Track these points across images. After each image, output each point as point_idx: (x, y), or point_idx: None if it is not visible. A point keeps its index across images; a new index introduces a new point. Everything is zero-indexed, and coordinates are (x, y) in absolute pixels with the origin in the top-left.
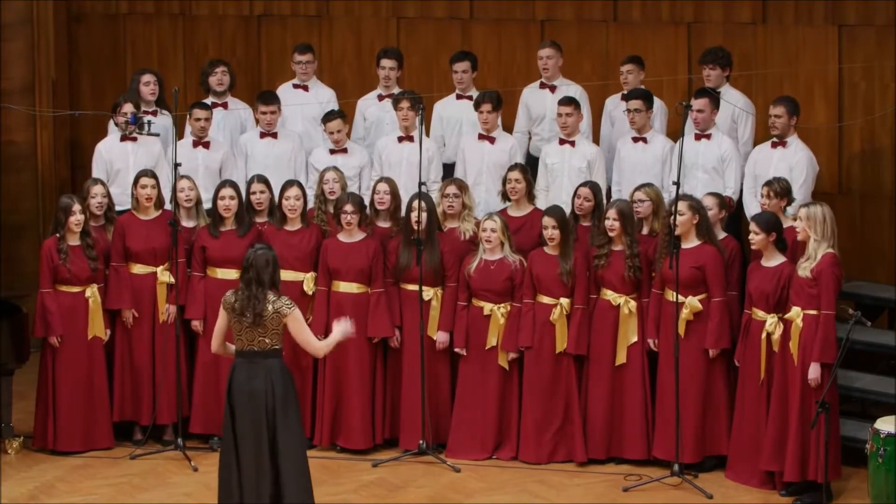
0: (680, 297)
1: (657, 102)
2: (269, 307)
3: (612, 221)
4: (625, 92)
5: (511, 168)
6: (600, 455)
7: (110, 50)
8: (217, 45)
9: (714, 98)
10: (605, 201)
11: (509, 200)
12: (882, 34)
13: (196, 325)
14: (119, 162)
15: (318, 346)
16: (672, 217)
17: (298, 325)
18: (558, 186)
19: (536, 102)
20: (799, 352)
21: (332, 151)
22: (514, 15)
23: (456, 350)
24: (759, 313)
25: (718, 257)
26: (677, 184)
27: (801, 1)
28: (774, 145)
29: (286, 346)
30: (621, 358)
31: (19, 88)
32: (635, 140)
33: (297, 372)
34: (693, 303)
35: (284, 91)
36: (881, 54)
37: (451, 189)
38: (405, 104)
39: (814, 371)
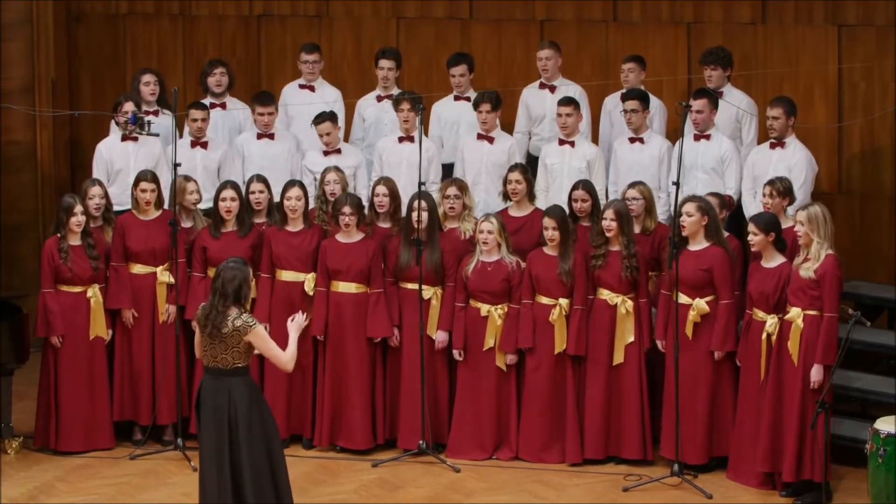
0: (687, 298)
1: (656, 102)
2: (229, 323)
3: (609, 222)
4: (624, 91)
5: (511, 169)
6: (598, 455)
7: (110, 50)
8: (217, 45)
9: (713, 98)
10: (604, 200)
11: (510, 200)
12: (882, 34)
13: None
14: (120, 162)
15: (285, 360)
16: (674, 218)
17: (262, 342)
18: (558, 187)
19: (536, 102)
20: (799, 353)
21: (326, 153)
22: (513, 15)
23: (454, 352)
24: (760, 314)
25: (726, 259)
26: (677, 184)
27: (801, 1)
28: (773, 146)
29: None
30: (619, 358)
31: (19, 88)
32: (632, 140)
33: (298, 371)
34: (700, 305)
35: (291, 91)
36: (881, 54)
37: (452, 190)
38: (406, 105)
39: (816, 373)
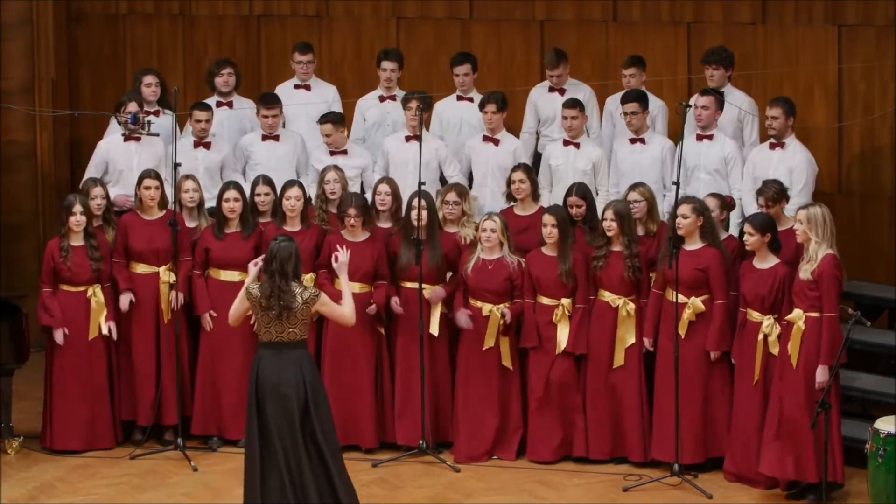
0: (683, 297)
1: (658, 103)
2: (298, 298)
3: (609, 222)
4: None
5: (514, 169)
6: (598, 456)
7: (110, 50)
8: (217, 45)
9: (719, 98)
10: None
11: (514, 201)
12: (882, 34)
13: (207, 318)
14: (123, 162)
15: (349, 315)
16: (671, 218)
17: (329, 308)
18: (563, 188)
19: (546, 105)
20: (800, 354)
21: (333, 153)
22: (514, 15)
23: (459, 315)
24: (755, 315)
25: (721, 260)
26: (677, 184)
27: (801, 1)
28: (773, 146)
29: None
30: (619, 360)
31: (19, 88)
32: (633, 141)
33: None
34: (696, 303)
35: (285, 91)
36: (881, 54)
37: (452, 196)
38: (414, 104)
39: (822, 374)
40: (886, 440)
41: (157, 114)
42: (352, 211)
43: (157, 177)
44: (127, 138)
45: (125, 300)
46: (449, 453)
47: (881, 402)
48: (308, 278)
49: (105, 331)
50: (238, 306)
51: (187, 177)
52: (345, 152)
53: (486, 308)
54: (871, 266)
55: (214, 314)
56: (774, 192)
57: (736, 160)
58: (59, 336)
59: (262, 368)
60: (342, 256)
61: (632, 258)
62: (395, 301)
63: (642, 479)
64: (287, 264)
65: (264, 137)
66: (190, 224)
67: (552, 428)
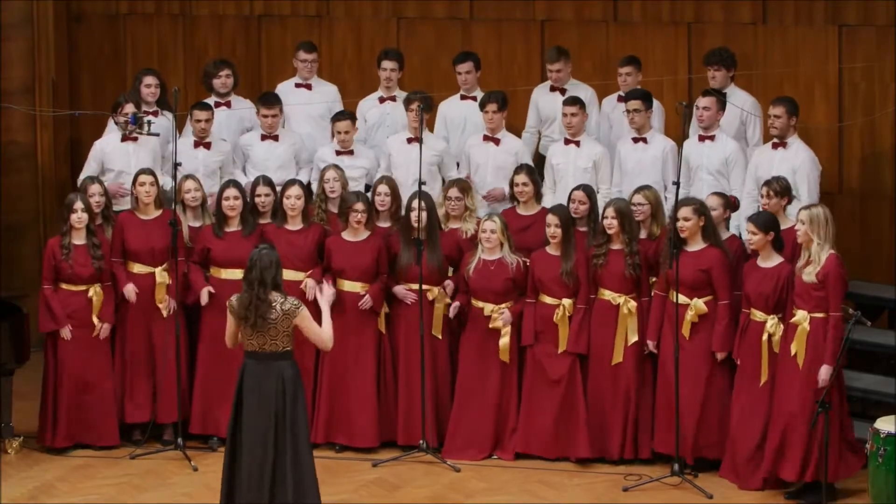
0: (685, 298)
1: (655, 103)
2: (277, 308)
3: (610, 220)
4: (621, 93)
5: (517, 171)
6: (600, 454)
7: (110, 50)
8: (217, 45)
9: (721, 98)
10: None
11: (517, 202)
12: (882, 34)
13: (205, 294)
14: (119, 162)
15: (327, 338)
16: (672, 219)
17: (309, 323)
18: (564, 187)
19: (546, 105)
20: (806, 354)
21: (339, 153)
22: (514, 15)
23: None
24: (759, 314)
25: (724, 260)
26: (677, 184)
27: (801, 1)
28: (775, 146)
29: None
30: (618, 357)
31: (19, 88)
32: (635, 140)
33: (302, 372)
34: (698, 305)
35: (287, 90)
36: (881, 54)
37: (454, 192)
38: (415, 104)
39: (825, 373)
40: (886, 440)
41: (155, 114)
42: (359, 206)
43: (152, 174)
44: (124, 138)
45: (131, 290)
46: (447, 451)
47: (881, 402)
48: (302, 276)
49: (97, 331)
50: (228, 324)
51: (187, 177)
52: (351, 152)
53: (488, 308)
54: (871, 266)
55: (213, 292)
56: (780, 187)
57: (737, 161)
58: (65, 333)
59: (245, 377)
60: (328, 290)
61: (632, 256)
62: (399, 288)
63: (642, 479)
64: (266, 273)
65: (263, 137)
66: (195, 223)
67: (550, 426)
